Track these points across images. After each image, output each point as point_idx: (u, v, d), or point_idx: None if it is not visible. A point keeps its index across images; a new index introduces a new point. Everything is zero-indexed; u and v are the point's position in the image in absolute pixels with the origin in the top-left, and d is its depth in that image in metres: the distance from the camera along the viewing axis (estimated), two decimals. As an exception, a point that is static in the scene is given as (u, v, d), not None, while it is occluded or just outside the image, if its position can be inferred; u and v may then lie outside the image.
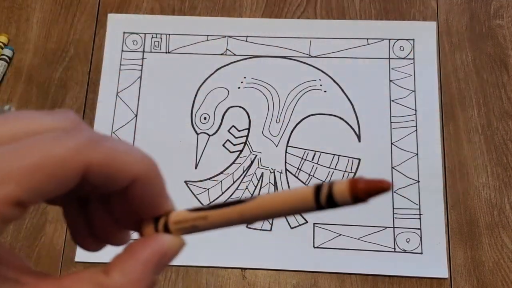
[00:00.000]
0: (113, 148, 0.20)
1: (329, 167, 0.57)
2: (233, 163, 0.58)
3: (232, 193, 0.57)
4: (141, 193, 0.22)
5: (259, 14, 0.63)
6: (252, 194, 0.57)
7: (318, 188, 0.19)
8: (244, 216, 0.21)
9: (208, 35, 0.62)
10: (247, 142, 0.58)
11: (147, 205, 0.22)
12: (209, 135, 0.59)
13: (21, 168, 0.18)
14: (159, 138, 0.58)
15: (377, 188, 0.18)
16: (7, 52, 0.61)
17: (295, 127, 0.59)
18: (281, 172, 0.57)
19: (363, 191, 0.18)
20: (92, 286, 0.20)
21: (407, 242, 0.54)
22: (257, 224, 0.55)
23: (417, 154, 0.57)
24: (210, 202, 0.56)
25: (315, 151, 0.58)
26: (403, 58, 0.61)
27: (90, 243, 0.24)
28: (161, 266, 0.22)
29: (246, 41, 0.62)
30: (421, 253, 0.54)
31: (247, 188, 0.57)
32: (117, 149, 0.20)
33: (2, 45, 0.61)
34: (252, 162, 0.58)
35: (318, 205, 0.19)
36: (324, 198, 0.19)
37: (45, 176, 0.18)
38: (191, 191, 0.57)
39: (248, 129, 0.59)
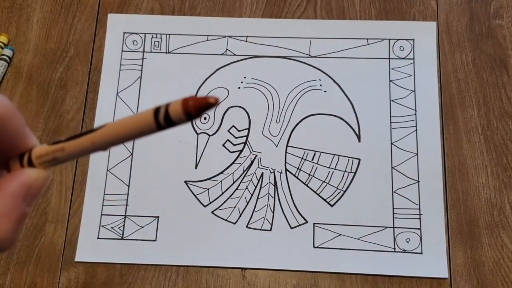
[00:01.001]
0: None
1: (329, 167, 0.57)
2: (233, 163, 0.58)
3: (232, 193, 0.57)
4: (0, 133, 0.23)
5: (259, 14, 0.63)
6: (252, 194, 0.57)
7: (157, 110, 0.21)
8: (96, 143, 0.23)
9: (208, 35, 0.62)
10: (247, 142, 0.58)
11: (8, 144, 0.24)
12: (209, 135, 0.59)
13: None
14: (159, 138, 0.58)
15: (204, 103, 0.20)
16: (7, 52, 0.61)
17: (295, 127, 0.59)
18: (281, 172, 0.57)
19: (193, 108, 0.20)
20: None
21: (407, 242, 0.54)
22: (257, 224, 0.55)
23: (417, 154, 0.57)
24: (210, 202, 0.56)
25: (315, 151, 0.58)
26: (403, 58, 0.61)
27: None
28: (30, 198, 0.23)
29: (246, 41, 0.62)
30: (421, 253, 0.54)
31: (247, 188, 0.57)
32: None
33: (2, 45, 0.61)
34: (252, 162, 0.58)
35: (158, 125, 0.21)
36: (162, 118, 0.21)
37: None
38: (191, 191, 0.57)
39: (248, 129, 0.59)
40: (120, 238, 0.55)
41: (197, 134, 0.59)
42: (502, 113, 0.58)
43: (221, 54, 0.62)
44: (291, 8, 0.63)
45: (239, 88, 0.60)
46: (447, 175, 0.56)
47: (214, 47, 0.62)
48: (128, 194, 0.57)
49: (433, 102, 0.59)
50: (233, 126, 0.59)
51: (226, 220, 0.56)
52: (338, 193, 0.56)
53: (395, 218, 0.55)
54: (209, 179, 0.57)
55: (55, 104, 0.60)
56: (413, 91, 0.59)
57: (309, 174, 0.57)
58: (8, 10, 0.64)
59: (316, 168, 0.57)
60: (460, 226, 0.55)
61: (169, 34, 0.62)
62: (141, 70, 0.61)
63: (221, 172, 0.57)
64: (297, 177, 0.57)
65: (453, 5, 0.63)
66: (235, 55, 0.61)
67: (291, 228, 0.55)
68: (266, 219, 0.56)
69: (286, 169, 0.57)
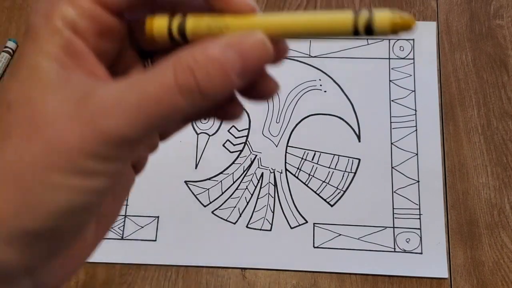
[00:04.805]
0: None
1: (329, 167, 0.57)
2: (233, 163, 0.58)
3: (232, 193, 0.57)
4: None
5: (259, 14, 0.63)
6: (252, 194, 0.57)
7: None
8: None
9: (208, 35, 0.62)
10: (247, 142, 0.58)
11: None
12: (209, 135, 0.59)
13: None
14: (159, 138, 0.58)
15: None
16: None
17: (295, 127, 0.59)
18: (281, 172, 0.57)
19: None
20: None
21: (407, 242, 0.54)
22: (257, 224, 0.55)
23: (417, 154, 0.57)
24: (210, 202, 0.56)
25: (315, 151, 0.58)
26: (403, 58, 0.61)
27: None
28: (246, 68, 0.19)
29: (246, 41, 0.62)
30: (421, 253, 0.54)
31: (247, 188, 0.57)
32: None
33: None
34: (252, 162, 0.58)
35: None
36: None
37: None
38: (191, 191, 0.57)
39: (248, 129, 0.59)
40: (120, 238, 0.55)
41: (197, 134, 0.59)
42: (502, 113, 0.58)
43: (221, 54, 0.62)
44: (291, 8, 0.63)
45: (239, 88, 0.60)
46: (447, 175, 0.56)
47: (214, 47, 0.62)
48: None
49: (433, 102, 0.59)
50: (233, 126, 0.59)
51: (226, 220, 0.56)
52: (338, 193, 0.56)
53: (395, 218, 0.55)
54: (209, 179, 0.57)
55: (55, 104, 0.60)
56: (413, 91, 0.59)
57: (309, 174, 0.57)
58: (8, 10, 0.64)
59: (316, 168, 0.57)
60: (460, 226, 0.55)
61: (169, 34, 0.62)
62: (141, 70, 0.61)
63: (221, 172, 0.57)
64: (297, 177, 0.57)
65: (453, 5, 0.62)
66: (235, 55, 0.61)
67: (291, 228, 0.55)
68: (266, 219, 0.56)
69: (286, 169, 0.57)
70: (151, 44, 0.22)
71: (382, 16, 0.19)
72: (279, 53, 0.21)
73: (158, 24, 0.20)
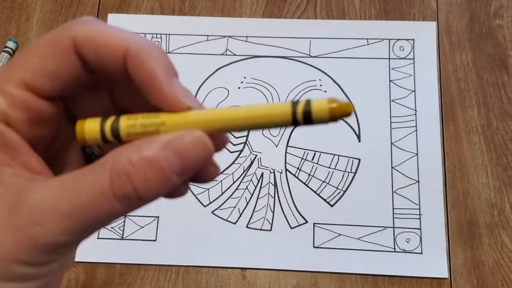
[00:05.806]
0: (101, 25, 0.20)
1: (329, 167, 0.57)
2: (233, 163, 0.58)
3: (232, 193, 0.57)
4: (137, 74, 0.20)
5: (259, 14, 0.63)
6: (252, 194, 0.57)
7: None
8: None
9: (208, 35, 0.62)
10: (247, 142, 0.58)
11: (149, 90, 0.20)
12: (209, 135, 0.59)
13: (22, 55, 0.19)
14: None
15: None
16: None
17: (295, 127, 0.59)
18: (281, 172, 0.57)
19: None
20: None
21: (407, 242, 0.54)
22: (257, 224, 0.55)
23: (417, 154, 0.57)
24: (210, 202, 0.56)
25: (315, 151, 0.58)
26: (403, 58, 0.61)
27: None
28: (185, 168, 0.19)
29: (246, 41, 0.62)
30: (421, 253, 0.54)
31: (247, 188, 0.57)
32: (104, 26, 0.20)
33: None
34: (252, 162, 0.58)
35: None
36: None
37: (40, 56, 0.19)
38: (191, 191, 0.57)
39: (248, 129, 0.59)
40: (120, 238, 0.55)
41: (197, 134, 0.59)
42: (502, 113, 0.58)
43: (221, 54, 0.62)
44: (291, 8, 0.63)
45: (239, 88, 0.60)
46: (447, 175, 0.56)
47: (214, 47, 0.62)
48: (128, 194, 0.57)
49: (433, 102, 0.59)
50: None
51: (226, 220, 0.56)
52: (338, 193, 0.56)
53: (395, 218, 0.55)
54: (209, 179, 0.57)
55: (55, 104, 0.60)
56: (413, 91, 0.59)
57: (309, 174, 0.57)
58: (8, 10, 0.64)
59: (316, 168, 0.57)
60: (460, 226, 0.55)
61: (169, 34, 0.62)
62: (141, 70, 0.61)
63: (221, 172, 0.57)
64: (297, 177, 0.57)
65: (453, 5, 0.62)
66: (235, 55, 0.61)
67: (291, 228, 0.55)
68: (266, 219, 0.56)
69: (286, 169, 0.57)
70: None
71: (319, 105, 0.19)
72: (219, 145, 0.21)
73: (90, 128, 0.20)
